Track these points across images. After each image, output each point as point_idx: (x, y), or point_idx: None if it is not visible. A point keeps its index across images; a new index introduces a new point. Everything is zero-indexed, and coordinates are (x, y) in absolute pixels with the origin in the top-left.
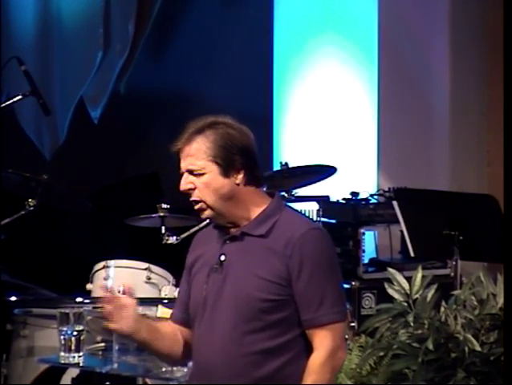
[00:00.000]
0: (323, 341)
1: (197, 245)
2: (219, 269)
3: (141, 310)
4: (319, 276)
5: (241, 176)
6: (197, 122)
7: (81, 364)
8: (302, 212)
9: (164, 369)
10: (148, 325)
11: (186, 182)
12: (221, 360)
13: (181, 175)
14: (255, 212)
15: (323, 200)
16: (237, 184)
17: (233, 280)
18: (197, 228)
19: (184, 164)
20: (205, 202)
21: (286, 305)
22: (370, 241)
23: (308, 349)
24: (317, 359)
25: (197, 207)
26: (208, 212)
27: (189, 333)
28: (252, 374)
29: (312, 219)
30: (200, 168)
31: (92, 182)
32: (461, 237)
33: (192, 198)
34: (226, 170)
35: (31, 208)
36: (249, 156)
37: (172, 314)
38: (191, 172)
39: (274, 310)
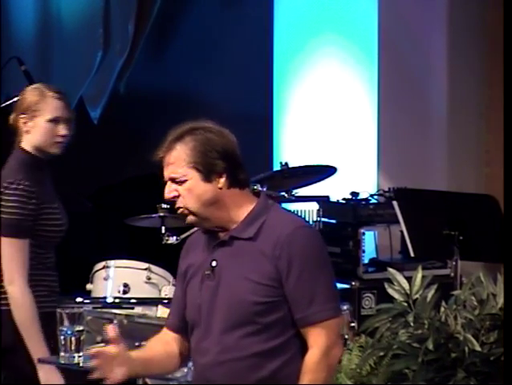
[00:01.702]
0: (316, 339)
1: (188, 251)
2: (211, 275)
3: (141, 309)
4: (309, 274)
5: (223, 180)
6: (177, 129)
7: (81, 364)
8: (302, 212)
9: None
10: (140, 359)
11: (170, 190)
12: (218, 365)
13: (165, 183)
14: (242, 214)
15: (323, 200)
16: (220, 188)
17: (225, 285)
18: (196, 228)
19: (167, 173)
20: (187, 208)
21: (279, 307)
22: (370, 241)
23: (305, 349)
24: (312, 358)
25: (179, 212)
26: (191, 218)
27: (186, 340)
28: (250, 378)
29: (301, 217)
30: (181, 176)
31: (92, 182)
32: (461, 237)
33: (176, 205)
34: (207, 175)
35: None
36: (230, 158)
37: (167, 321)
38: (173, 180)
39: (268, 313)
